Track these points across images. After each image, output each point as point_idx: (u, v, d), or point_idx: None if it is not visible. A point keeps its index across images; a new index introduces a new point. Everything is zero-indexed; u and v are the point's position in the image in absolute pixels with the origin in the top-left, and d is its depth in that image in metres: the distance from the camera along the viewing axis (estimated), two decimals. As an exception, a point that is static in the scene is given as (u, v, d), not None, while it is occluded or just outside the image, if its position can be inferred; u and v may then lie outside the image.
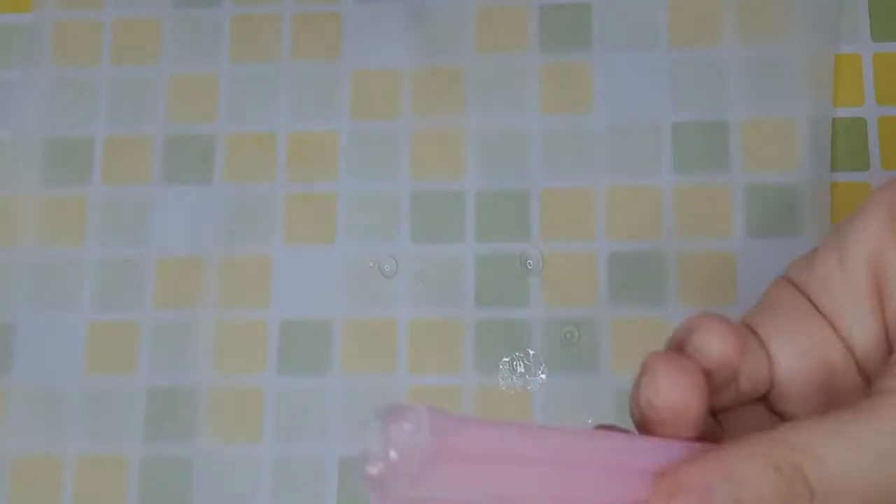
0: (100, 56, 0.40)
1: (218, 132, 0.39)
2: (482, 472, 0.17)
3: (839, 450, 0.19)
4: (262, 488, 0.35)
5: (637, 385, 0.20)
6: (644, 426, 0.20)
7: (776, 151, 0.37)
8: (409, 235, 0.37)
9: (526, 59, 0.38)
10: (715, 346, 0.21)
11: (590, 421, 0.35)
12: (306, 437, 0.36)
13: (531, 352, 0.36)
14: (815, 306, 0.22)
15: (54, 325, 0.37)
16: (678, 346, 0.21)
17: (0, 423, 0.36)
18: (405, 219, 0.37)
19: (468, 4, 0.39)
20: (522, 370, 0.36)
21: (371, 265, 0.37)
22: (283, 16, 0.40)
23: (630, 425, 0.21)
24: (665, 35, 0.38)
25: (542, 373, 0.36)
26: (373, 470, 0.16)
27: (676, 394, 0.20)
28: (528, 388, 0.36)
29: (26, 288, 0.38)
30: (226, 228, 0.38)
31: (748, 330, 0.22)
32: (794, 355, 0.22)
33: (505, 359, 0.36)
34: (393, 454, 0.16)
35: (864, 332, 0.22)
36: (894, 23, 0.38)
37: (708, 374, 0.20)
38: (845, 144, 0.36)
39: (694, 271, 0.36)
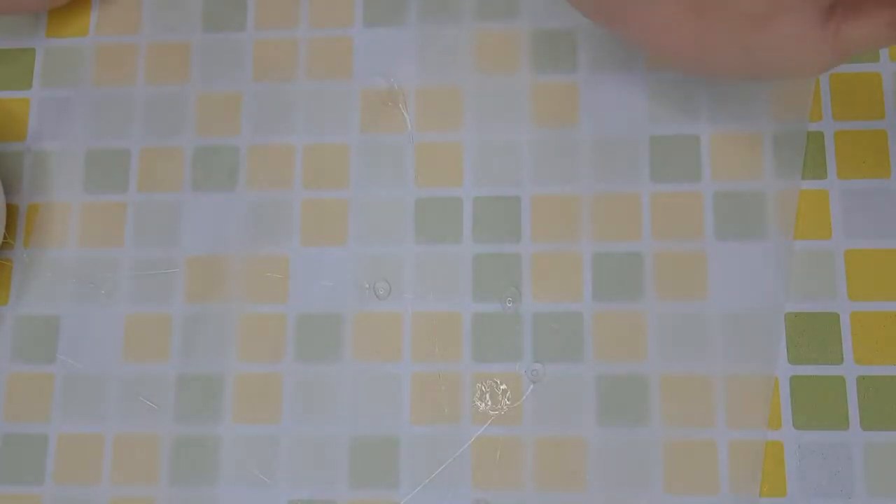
0: (136, 76, 0.41)
1: (241, 145, 0.40)
2: None
3: None
4: (281, 465, 0.36)
5: None
6: None
7: (743, 162, 0.37)
8: (413, 237, 0.38)
9: (519, 78, 0.39)
10: None
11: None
12: (320, 418, 0.37)
13: (523, 339, 0.37)
14: None
15: (95, 318, 0.39)
16: None
17: (46, 404, 0.38)
18: (409, 222, 0.38)
19: (467, 29, 0.40)
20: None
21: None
22: (299, 40, 0.40)
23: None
24: (643, 58, 0.39)
25: (535, 361, 0.37)
26: None
27: None
28: (522, 371, 0.37)
29: (71, 284, 0.39)
30: (248, 231, 0.39)
31: None
32: None
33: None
34: None
35: None
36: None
37: None
38: (806, 156, 0.37)
39: (669, 270, 0.37)
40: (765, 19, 0.30)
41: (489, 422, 0.36)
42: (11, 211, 0.40)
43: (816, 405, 0.35)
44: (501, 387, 0.37)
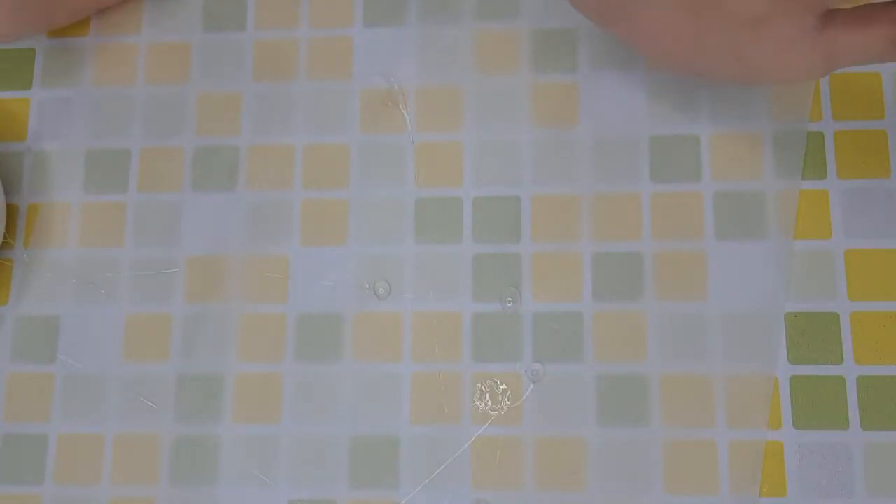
0: (136, 76, 0.41)
1: (241, 145, 0.40)
2: None
3: None
4: (281, 465, 0.37)
5: None
6: None
7: (743, 162, 0.37)
8: (413, 237, 0.38)
9: (519, 78, 0.39)
10: None
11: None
12: (320, 418, 0.37)
13: (523, 340, 0.37)
14: None
15: (95, 318, 0.39)
16: None
17: (46, 404, 0.38)
18: (409, 222, 0.38)
19: (467, 29, 0.40)
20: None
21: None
22: (299, 40, 0.40)
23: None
24: (643, 58, 0.38)
25: (535, 361, 0.37)
26: None
27: None
28: (522, 371, 0.37)
29: (71, 284, 0.39)
30: (248, 231, 0.39)
31: None
32: None
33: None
34: None
35: None
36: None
37: None
38: (806, 156, 0.37)
39: (669, 270, 0.37)
40: (760, 22, 0.30)
41: (489, 422, 0.37)
42: (11, 211, 0.40)
43: (816, 405, 0.35)
44: (501, 387, 0.37)
